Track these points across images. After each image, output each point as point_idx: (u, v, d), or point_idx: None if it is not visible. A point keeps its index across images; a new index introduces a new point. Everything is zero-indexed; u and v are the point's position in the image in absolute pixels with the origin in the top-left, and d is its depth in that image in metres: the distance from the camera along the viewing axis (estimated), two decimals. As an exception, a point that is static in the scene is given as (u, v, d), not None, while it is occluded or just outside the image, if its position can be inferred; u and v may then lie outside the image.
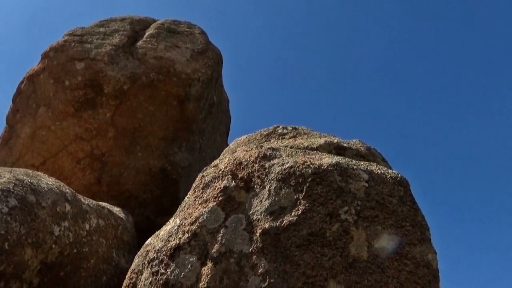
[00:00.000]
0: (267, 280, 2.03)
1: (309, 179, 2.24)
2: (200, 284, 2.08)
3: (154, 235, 2.67)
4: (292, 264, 2.05)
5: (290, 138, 3.53)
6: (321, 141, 3.23)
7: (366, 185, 2.35)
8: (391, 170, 2.66)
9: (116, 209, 4.27)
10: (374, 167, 2.59)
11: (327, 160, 2.39)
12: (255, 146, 2.55)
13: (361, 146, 3.36)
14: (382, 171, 2.55)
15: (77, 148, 5.25)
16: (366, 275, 2.06)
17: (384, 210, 2.30)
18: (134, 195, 5.33)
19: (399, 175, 2.58)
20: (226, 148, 3.58)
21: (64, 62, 5.35)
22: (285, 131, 3.65)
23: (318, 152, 2.72)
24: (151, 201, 5.30)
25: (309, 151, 2.64)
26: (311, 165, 2.29)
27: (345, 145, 3.28)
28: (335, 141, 3.23)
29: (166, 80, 5.30)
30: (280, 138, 3.52)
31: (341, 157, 2.59)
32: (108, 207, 4.07)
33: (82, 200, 3.56)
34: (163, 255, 2.22)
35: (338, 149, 3.15)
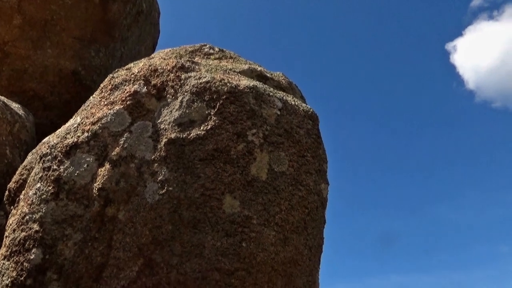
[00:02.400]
0: (165, 188, 2.04)
1: (224, 97, 2.21)
2: (94, 184, 2.03)
3: (52, 134, 2.49)
4: (192, 175, 2.08)
5: (215, 59, 3.42)
6: (245, 67, 3.18)
7: (278, 112, 2.40)
8: (304, 104, 2.74)
9: (15, 105, 3.87)
10: (289, 98, 2.65)
11: (245, 82, 2.38)
12: (174, 56, 2.42)
13: (283, 79, 3.39)
14: (296, 103, 2.62)
15: (-27, 31, 4.54)
16: (261, 194, 2.18)
17: (290, 139, 2.40)
18: (39, 95, 4.86)
19: (311, 110, 2.68)
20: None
21: None
22: (211, 51, 3.51)
23: (238, 74, 2.68)
24: (59, 105, 4.89)
25: (229, 71, 2.59)
26: (228, 84, 2.26)
27: (268, 75, 3.27)
28: (259, 69, 3.20)
29: (89, -28, 4.68)
30: (205, 57, 3.39)
31: (260, 83, 2.59)
32: (5, 100, 3.67)
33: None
34: (58, 151, 2.09)
35: (260, 78, 3.13)
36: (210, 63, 3.17)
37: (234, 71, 3.05)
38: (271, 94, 2.44)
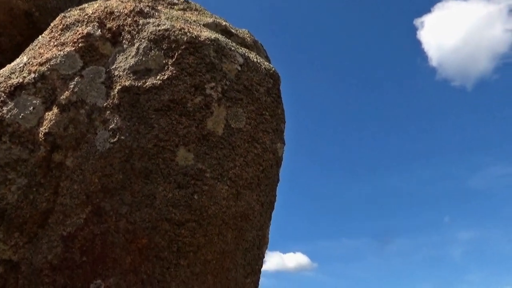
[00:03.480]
0: (117, 137, 1.99)
1: (183, 47, 2.14)
2: (41, 128, 1.93)
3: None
4: (146, 126, 2.03)
5: (179, 10, 3.27)
6: (210, 20, 3.07)
7: (239, 68, 2.36)
8: (267, 63, 2.71)
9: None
10: (252, 55, 2.60)
11: (206, 33, 2.30)
12: (133, 0, 2.29)
13: (248, 36, 3.32)
14: (259, 61, 2.58)
15: None
16: (216, 149, 2.17)
17: (250, 96, 2.38)
18: (-13, 35, 4.49)
19: (273, 69, 2.66)
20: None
21: None
22: (176, 1, 3.35)
23: (202, 26, 2.59)
24: (9, 47, 4.55)
25: (192, 23, 2.49)
26: (188, 34, 2.18)
27: (233, 31, 3.19)
28: (224, 24, 3.11)
29: None
30: (168, 6, 3.23)
31: (223, 36, 2.52)
32: None
33: None
34: (1, 91, 1.96)
35: (224, 32, 3.05)
36: (172, 13, 3.03)
37: (198, 23, 2.94)
38: (233, 49, 2.39)
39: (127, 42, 2.12)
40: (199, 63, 2.16)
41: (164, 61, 2.10)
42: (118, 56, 2.10)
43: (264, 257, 2.62)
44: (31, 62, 2.04)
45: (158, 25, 2.17)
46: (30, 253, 1.87)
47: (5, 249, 1.86)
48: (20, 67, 2.03)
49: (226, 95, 2.24)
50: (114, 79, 2.05)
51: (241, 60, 2.40)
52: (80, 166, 1.96)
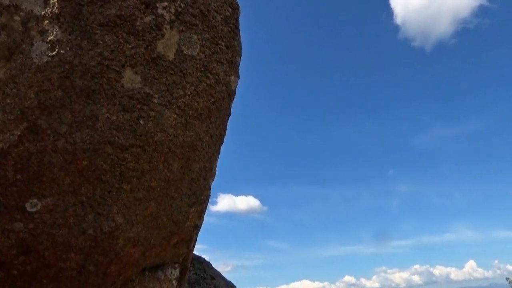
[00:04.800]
0: (57, 50, 1.83)
1: (134, -42, 1.94)
2: (-33, 32, 1.73)
3: None
4: (90, 41, 1.88)
5: None
6: None
7: (196, -9, 2.21)
8: (227, -10, 2.56)
9: None
10: (211, -21, 2.43)
11: None
12: None
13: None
14: (218, -14, 2.43)
15: None
16: (166, 74, 2.08)
17: (205, 23, 2.26)
18: None
19: (233, -3, 2.52)
20: None
21: None
22: None
23: None
24: None
25: None
26: None
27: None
28: None
29: None
30: None
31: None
32: None
33: None
34: None
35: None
36: None
37: None
38: (190, -32, 2.21)
39: None
40: (152, -21, 1.99)
41: (112, -29, 1.91)
42: (59, -41, 1.88)
43: (210, 188, 2.65)
44: (-47, -46, 1.77)
45: None
46: (-43, 167, 1.76)
47: None
48: None
49: (179, 18, 2.11)
50: (54, -15, 1.84)
51: (198, -18, 2.24)
52: (14, 78, 1.80)
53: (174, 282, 2.66)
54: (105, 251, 2.04)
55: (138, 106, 1.98)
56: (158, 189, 2.17)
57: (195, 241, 3.07)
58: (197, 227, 2.62)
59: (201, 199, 2.50)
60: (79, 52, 1.86)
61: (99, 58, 1.89)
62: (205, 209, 2.92)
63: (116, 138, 1.94)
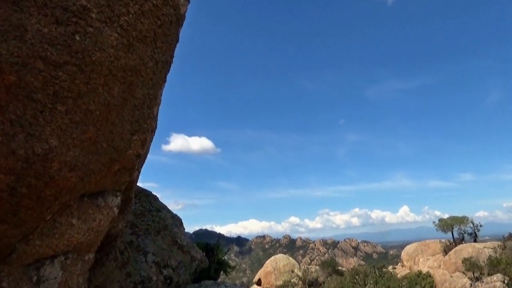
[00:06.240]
0: None
1: None
2: None
3: None
4: None
5: None
6: None
7: None
8: None
9: None
10: None
11: None
12: None
13: None
14: None
15: None
16: (106, -13, 1.90)
17: None
18: None
19: None
20: None
21: None
22: None
23: None
24: None
25: None
26: None
27: None
28: None
29: None
30: None
31: None
32: None
33: None
34: None
35: None
36: None
37: None
38: None
39: None
40: None
41: None
42: None
43: (155, 118, 2.58)
44: None
45: None
46: None
47: None
48: None
49: None
50: None
51: None
52: None
53: (115, 210, 2.65)
54: (38, 174, 1.96)
55: (74, 19, 1.81)
56: (97, 113, 2.07)
57: (138, 172, 3.04)
58: (140, 156, 2.58)
59: (145, 128, 2.43)
60: (1, -51, 1.63)
61: (27, -41, 1.67)
62: (150, 139, 2.87)
63: (49, 53, 1.78)
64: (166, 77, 2.46)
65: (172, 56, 2.43)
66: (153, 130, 2.88)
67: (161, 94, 2.50)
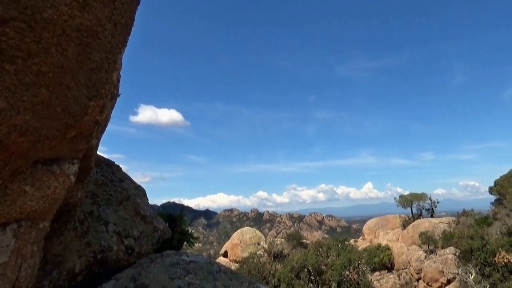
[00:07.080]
0: None
1: None
2: None
3: None
4: None
5: None
6: None
7: None
8: None
9: None
10: None
11: None
12: None
13: None
14: None
15: None
16: None
17: None
18: None
19: None
20: None
21: None
22: None
23: None
24: None
25: None
26: None
27: None
28: None
29: None
30: None
31: None
32: None
33: None
34: None
35: None
36: None
37: None
38: None
39: None
40: None
41: None
42: None
43: (114, 83, 2.48)
44: None
45: None
46: None
47: None
48: None
49: None
50: None
51: None
52: None
53: (72, 178, 2.57)
54: (-15, 137, 1.86)
55: (21, -29, 1.68)
56: (50, 75, 1.96)
57: (98, 139, 2.95)
58: (98, 123, 2.49)
59: (103, 93, 2.33)
60: None
61: None
62: (111, 106, 2.77)
63: (-7, 7, 1.65)
64: (126, 41, 2.36)
65: (132, 19, 2.32)
66: (113, 97, 2.78)
67: (121, 59, 2.40)
